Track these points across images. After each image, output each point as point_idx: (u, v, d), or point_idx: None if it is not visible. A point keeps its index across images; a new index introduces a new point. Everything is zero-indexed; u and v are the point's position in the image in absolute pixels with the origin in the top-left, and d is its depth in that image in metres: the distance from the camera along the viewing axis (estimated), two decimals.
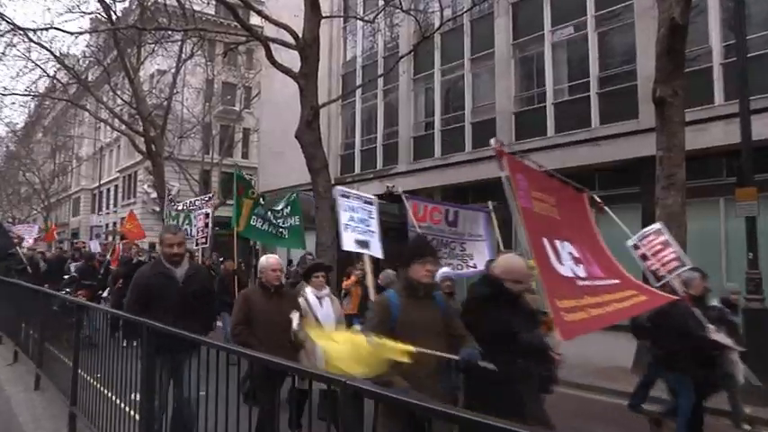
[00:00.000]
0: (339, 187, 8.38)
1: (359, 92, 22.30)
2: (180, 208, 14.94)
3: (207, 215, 11.89)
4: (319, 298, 5.69)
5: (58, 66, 22.77)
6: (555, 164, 15.23)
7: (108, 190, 46.70)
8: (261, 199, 11.09)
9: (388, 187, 20.55)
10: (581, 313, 3.82)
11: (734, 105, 10.98)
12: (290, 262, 19.43)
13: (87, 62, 26.34)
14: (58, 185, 50.33)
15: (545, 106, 16.64)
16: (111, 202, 46.24)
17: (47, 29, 18.31)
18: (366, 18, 16.83)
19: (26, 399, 6.50)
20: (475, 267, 9.28)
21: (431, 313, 3.71)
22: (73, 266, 13.71)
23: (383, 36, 21.15)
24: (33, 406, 6.21)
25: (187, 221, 13.89)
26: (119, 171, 43.64)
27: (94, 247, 23.93)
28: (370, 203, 8.21)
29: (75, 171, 51.19)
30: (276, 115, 25.79)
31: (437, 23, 16.84)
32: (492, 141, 4.19)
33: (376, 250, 7.61)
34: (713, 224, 12.74)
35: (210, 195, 14.77)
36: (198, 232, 12.03)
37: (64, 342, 6.13)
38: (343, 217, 7.48)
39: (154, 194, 32.08)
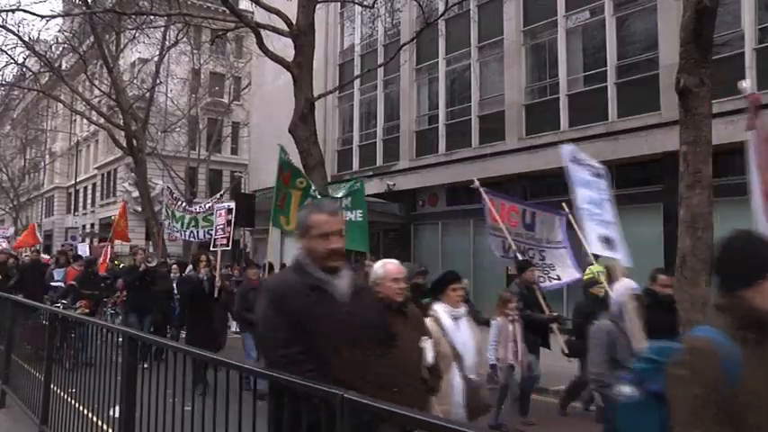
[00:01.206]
0: (568, 146, 6.85)
1: (357, 83, 22.26)
2: (197, 210, 13.93)
3: (230, 210, 10.54)
4: (456, 318, 4.64)
5: (28, 52, 22.68)
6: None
7: (85, 188, 46.67)
8: (311, 189, 9.93)
9: (388, 185, 20.57)
10: None
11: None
12: (282, 266, 19.39)
13: (61, 49, 26.25)
14: (29, 183, 50.30)
15: (558, 98, 16.61)
16: (89, 201, 46.22)
17: (12, 11, 18.21)
18: (365, 3, 16.79)
19: None
20: (559, 279, 8.85)
21: None
22: (57, 273, 13.36)
23: (383, 22, 21.12)
24: None
25: (194, 223, 13.32)
26: (97, 168, 43.61)
27: (82, 249, 23.72)
28: (601, 176, 6.58)
29: (48, 167, 51.15)
30: (268, 108, 25.77)
31: (441, 8, 16.80)
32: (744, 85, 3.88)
33: (622, 254, 6.04)
34: (743, 225, 12.54)
35: (221, 194, 14.34)
36: (217, 231, 10.68)
37: (65, 363, 5.72)
38: (581, 197, 5.88)
39: (135, 193, 32.04)
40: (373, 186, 21.35)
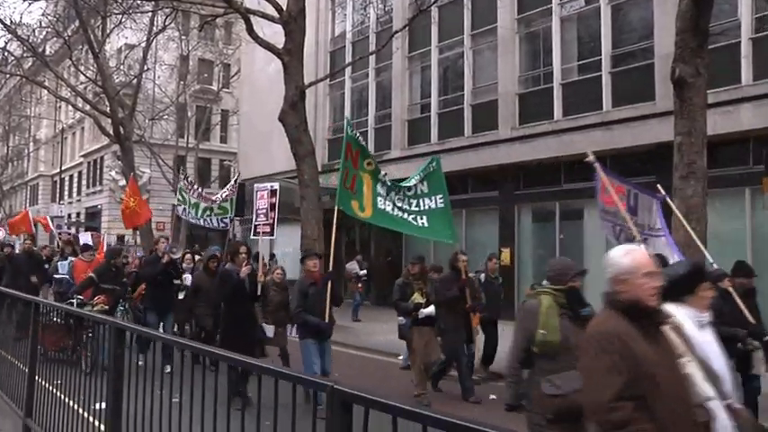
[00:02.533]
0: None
1: (348, 70, 22.17)
2: (205, 195, 13.27)
3: (273, 192, 8.99)
4: (702, 326, 3.59)
5: (10, 36, 22.41)
6: (562, 150, 15.40)
7: (71, 177, 46.36)
8: (380, 173, 8.80)
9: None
10: None
11: (764, 86, 11.02)
12: (272, 256, 19.35)
13: (44, 33, 25.97)
14: (13, 171, 49.90)
15: (552, 87, 16.59)
16: (75, 189, 45.92)
17: None
18: None
19: None
20: None
21: None
22: (61, 266, 12.42)
23: (375, 9, 21.02)
24: None
25: (208, 212, 12.63)
26: (83, 156, 43.31)
27: (85, 239, 23.17)
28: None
29: (32, 155, 50.75)
30: (258, 96, 25.64)
31: None
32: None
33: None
34: (738, 217, 12.77)
35: (236, 179, 13.10)
36: (257, 216, 9.11)
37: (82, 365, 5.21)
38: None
39: (122, 182, 31.87)
40: None
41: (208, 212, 12.74)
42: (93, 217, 40.32)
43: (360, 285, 18.00)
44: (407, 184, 8.83)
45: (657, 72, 13.82)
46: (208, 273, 9.59)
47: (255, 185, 9.67)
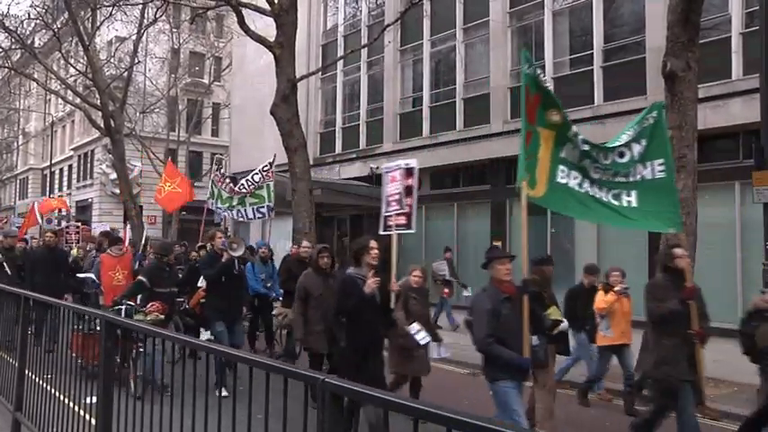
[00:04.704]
0: None
1: (340, 64, 22.12)
2: (237, 189, 12.20)
3: (409, 171, 6.75)
4: None
5: None
6: None
7: (61, 170, 46.08)
8: (570, 129, 5.92)
9: (371, 168, 20.51)
10: None
11: (754, 80, 11.05)
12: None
13: (33, 25, 25.73)
14: (2, 164, 49.56)
15: (544, 81, 16.57)
16: (65, 183, 45.66)
17: None
18: None
19: None
20: None
21: None
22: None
23: (367, 2, 20.97)
24: None
25: (240, 202, 11.60)
26: (73, 149, 43.05)
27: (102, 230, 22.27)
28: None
29: (21, 148, 50.40)
30: (249, 89, 25.56)
31: None
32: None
33: None
34: (727, 211, 12.83)
35: (270, 161, 11.76)
36: (389, 204, 6.85)
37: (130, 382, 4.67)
38: None
39: (113, 175, 31.71)
40: (356, 169, 21.31)
41: (240, 203, 11.74)
42: (83, 210, 40.09)
43: (447, 291, 15.00)
44: (613, 144, 6.10)
45: (649, 66, 13.86)
46: (318, 272, 7.38)
47: (383, 166, 7.49)
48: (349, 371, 5.38)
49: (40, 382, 5.00)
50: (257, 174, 11.86)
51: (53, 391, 4.74)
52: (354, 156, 21.86)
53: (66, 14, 21.85)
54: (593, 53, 15.58)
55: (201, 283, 8.96)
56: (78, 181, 42.29)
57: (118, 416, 3.85)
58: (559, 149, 5.77)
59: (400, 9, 17.64)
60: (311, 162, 16.34)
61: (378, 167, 20.41)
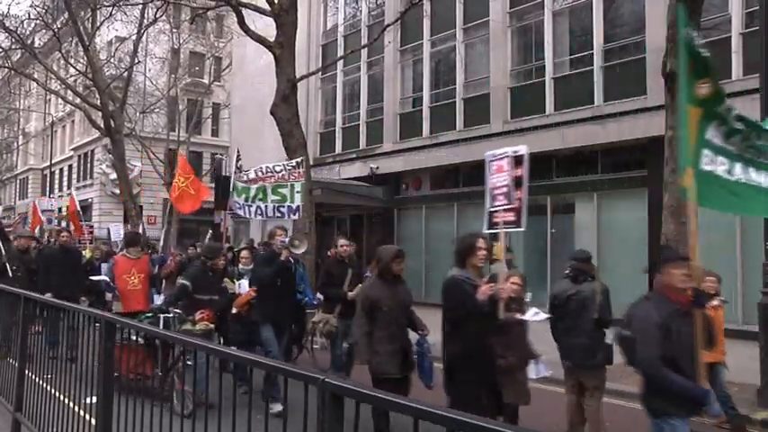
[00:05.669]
0: None
1: (340, 64, 22.11)
2: (251, 177, 10.83)
3: (518, 160, 5.71)
4: None
5: None
6: (554, 144, 15.42)
7: (61, 170, 46.07)
8: (723, 102, 4.73)
9: (371, 169, 20.52)
10: None
11: (754, 80, 11.03)
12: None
13: (33, 25, 25.73)
14: (2, 164, 49.56)
15: (544, 81, 16.61)
16: (65, 183, 45.63)
17: None
18: None
19: None
20: None
21: None
22: (105, 267, 10.59)
23: (367, 2, 20.96)
24: None
25: (261, 196, 10.31)
26: (73, 149, 43.05)
27: (115, 233, 21.58)
28: None
29: (21, 148, 50.39)
30: (249, 89, 25.57)
31: None
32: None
33: None
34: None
35: (299, 161, 10.55)
36: (495, 198, 5.78)
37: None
38: None
39: (113, 175, 31.70)
40: (356, 169, 21.31)
41: (260, 196, 10.35)
42: (83, 211, 39.98)
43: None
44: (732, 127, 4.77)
45: (649, 66, 13.87)
46: (385, 280, 6.16)
47: (487, 154, 6.34)
48: (464, 392, 4.73)
49: (40, 382, 5.00)
50: (279, 165, 10.66)
51: (53, 391, 4.74)
52: (354, 156, 21.86)
53: (66, 14, 21.84)
54: (593, 53, 15.58)
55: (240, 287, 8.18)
56: (78, 181, 42.28)
57: (118, 416, 3.85)
58: (705, 130, 4.59)
59: (400, 9, 17.65)
60: (311, 162, 16.35)
61: (378, 167, 20.44)
